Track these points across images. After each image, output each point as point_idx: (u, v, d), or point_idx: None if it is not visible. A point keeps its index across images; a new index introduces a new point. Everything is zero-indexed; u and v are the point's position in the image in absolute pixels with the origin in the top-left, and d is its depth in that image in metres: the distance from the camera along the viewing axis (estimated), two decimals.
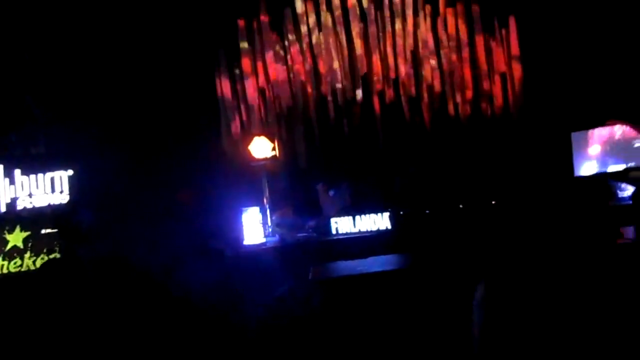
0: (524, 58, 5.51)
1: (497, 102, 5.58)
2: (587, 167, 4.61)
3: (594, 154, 4.49)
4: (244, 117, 5.51)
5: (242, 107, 5.53)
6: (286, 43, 5.58)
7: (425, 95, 5.60)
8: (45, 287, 2.55)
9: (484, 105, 5.60)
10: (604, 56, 4.96)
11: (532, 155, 5.09)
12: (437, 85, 5.60)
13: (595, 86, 4.87)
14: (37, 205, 4.82)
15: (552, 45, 5.21)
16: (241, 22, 5.53)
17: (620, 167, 3.91)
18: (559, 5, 5.23)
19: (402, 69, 5.60)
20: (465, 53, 5.58)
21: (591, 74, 4.96)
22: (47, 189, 4.84)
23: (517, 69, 5.55)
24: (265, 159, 4.69)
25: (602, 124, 4.44)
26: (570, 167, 4.60)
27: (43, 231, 4.67)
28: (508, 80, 5.58)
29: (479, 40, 5.57)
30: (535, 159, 5.00)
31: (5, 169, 4.90)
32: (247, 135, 5.05)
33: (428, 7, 5.60)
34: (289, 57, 5.58)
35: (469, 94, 5.60)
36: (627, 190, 4.44)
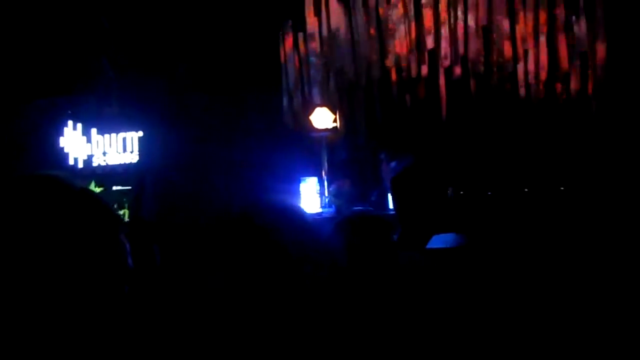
0: (609, 37, 5.10)
1: (574, 85, 5.24)
2: None
3: None
4: (307, 88, 5.53)
5: (305, 77, 5.54)
6: (353, 15, 5.50)
7: (495, 74, 5.35)
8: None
9: (559, 88, 5.28)
10: None
11: (608, 145, 4.76)
12: (509, 64, 5.32)
13: None
14: (110, 163, 5.13)
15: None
16: None
17: None
18: None
19: (472, 46, 5.37)
20: (544, 29, 5.25)
21: None
22: (119, 149, 5.13)
23: (600, 50, 5.16)
24: (326, 130, 4.69)
25: None
26: None
27: (114, 188, 4.97)
28: (589, 62, 5.21)
29: (559, 16, 5.22)
30: (611, 150, 4.68)
31: (83, 127, 5.23)
32: (309, 105, 5.07)
33: None
34: (355, 29, 5.50)
35: (544, 75, 5.29)
36: None
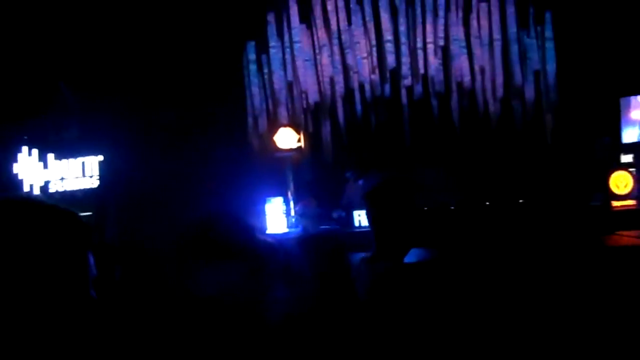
0: (559, 55, 5.35)
1: (529, 101, 5.44)
2: (630, 134, 4.54)
3: (636, 118, 4.42)
4: (271, 109, 5.53)
5: (269, 99, 5.55)
6: (315, 36, 5.57)
7: (455, 92, 5.51)
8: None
9: (515, 104, 5.47)
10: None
11: (563, 157, 4.94)
12: (467, 82, 5.49)
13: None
14: (69, 188, 4.95)
15: (589, 40, 5.04)
16: (271, 15, 5.56)
17: None
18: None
19: (432, 65, 5.52)
20: (498, 49, 5.46)
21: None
22: (78, 173, 4.97)
23: (551, 67, 5.40)
24: (291, 150, 4.69)
25: None
26: (618, 135, 4.52)
27: None
28: (541, 78, 5.43)
29: (513, 36, 5.45)
30: (566, 161, 4.86)
31: (39, 153, 5.06)
32: (274, 126, 5.07)
33: (460, 1, 5.50)
34: (317, 50, 5.58)
35: (500, 91, 5.48)
36: None
